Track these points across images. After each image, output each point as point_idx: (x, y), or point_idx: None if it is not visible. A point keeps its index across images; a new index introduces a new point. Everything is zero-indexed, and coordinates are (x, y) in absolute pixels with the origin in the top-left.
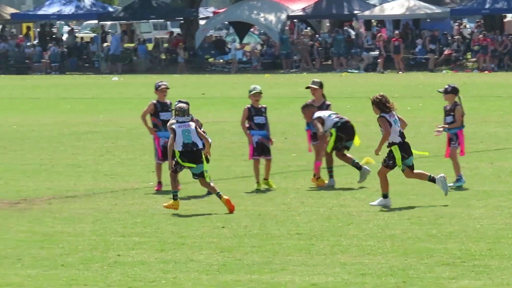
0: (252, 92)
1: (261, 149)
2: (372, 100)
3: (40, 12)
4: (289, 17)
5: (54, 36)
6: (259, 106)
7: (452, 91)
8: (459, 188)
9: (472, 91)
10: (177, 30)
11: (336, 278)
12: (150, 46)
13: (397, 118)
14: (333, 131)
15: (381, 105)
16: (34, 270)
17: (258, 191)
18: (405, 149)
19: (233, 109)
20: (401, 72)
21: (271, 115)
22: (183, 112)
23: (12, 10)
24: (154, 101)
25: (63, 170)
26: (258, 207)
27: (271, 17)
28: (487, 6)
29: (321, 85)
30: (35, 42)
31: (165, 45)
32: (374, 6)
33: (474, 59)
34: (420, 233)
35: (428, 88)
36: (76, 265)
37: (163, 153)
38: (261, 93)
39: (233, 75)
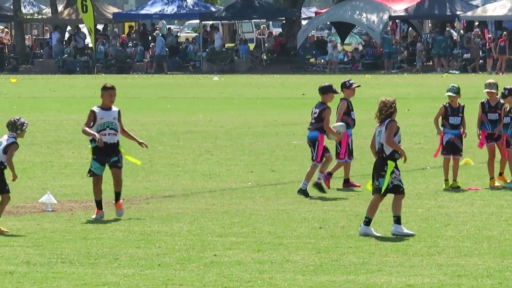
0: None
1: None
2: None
3: (143, 12)
4: (391, 18)
5: (154, 35)
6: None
7: (510, 93)
8: None
9: None
10: (278, 30)
11: (432, 279)
12: (251, 46)
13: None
14: None
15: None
16: (130, 270)
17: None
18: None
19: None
20: (501, 74)
21: (369, 115)
22: (9, 127)
23: (114, 10)
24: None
25: (161, 170)
26: (356, 208)
27: (373, 18)
28: None
29: (497, 87)
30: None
31: (266, 44)
32: (477, 7)
33: None
34: None
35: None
36: (172, 265)
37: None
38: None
39: (333, 75)
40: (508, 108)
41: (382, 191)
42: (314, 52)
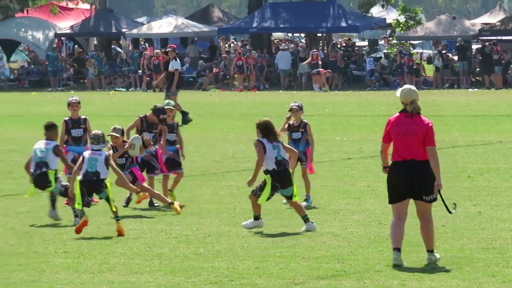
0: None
1: (170, 165)
2: (257, 124)
3: None
4: (57, 35)
5: None
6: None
7: (302, 108)
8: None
9: (239, 109)
10: None
11: None
12: None
13: (279, 145)
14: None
15: (266, 131)
16: None
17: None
18: (280, 177)
19: None
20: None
21: (37, 134)
22: (97, 140)
23: None
24: (67, 118)
25: None
26: (26, 226)
27: (39, 35)
28: (254, 25)
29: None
30: None
31: None
32: (142, 24)
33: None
34: (188, 251)
35: (195, 106)
36: None
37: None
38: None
39: (1, 93)
40: (296, 123)
41: (297, 197)
42: None
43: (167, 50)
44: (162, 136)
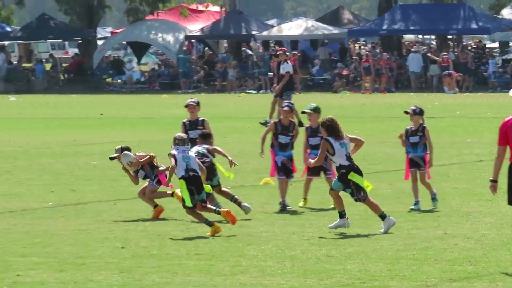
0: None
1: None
2: (322, 123)
3: None
4: (187, 37)
5: None
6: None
7: (420, 113)
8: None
9: (370, 112)
10: (75, 50)
11: None
12: (48, 66)
13: (345, 142)
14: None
15: (330, 129)
16: None
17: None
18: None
19: (131, 129)
20: (297, 93)
21: (168, 136)
22: (183, 141)
23: None
24: (185, 120)
25: None
26: (157, 227)
27: (169, 37)
28: (384, 27)
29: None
30: None
31: (64, 64)
32: (272, 26)
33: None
34: (320, 253)
35: (326, 108)
36: None
37: None
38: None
39: (130, 95)
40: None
41: (370, 186)
42: (111, 72)
43: (277, 53)
44: (293, 138)
